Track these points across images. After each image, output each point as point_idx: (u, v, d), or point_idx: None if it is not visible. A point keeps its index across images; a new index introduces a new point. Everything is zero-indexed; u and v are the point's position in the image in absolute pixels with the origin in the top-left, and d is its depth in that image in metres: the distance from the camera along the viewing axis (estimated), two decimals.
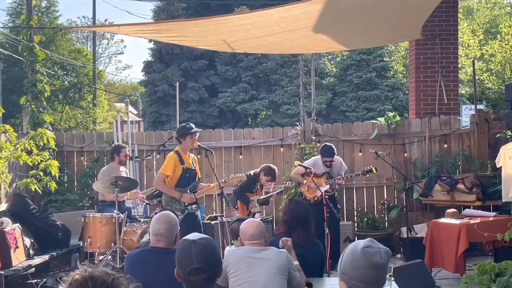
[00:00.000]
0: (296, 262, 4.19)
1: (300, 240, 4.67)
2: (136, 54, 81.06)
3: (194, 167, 6.87)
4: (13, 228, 6.62)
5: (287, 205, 5.67)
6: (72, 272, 2.02)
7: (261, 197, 7.72)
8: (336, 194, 8.12)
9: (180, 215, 6.34)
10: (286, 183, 8.92)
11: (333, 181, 7.70)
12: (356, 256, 2.38)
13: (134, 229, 7.14)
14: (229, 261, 3.91)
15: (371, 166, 7.91)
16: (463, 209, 7.52)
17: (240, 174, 7.47)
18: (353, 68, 25.02)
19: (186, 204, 6.68)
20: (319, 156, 7.91)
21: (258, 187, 7.68)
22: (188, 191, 6.73)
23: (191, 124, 6.93)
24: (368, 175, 8.06)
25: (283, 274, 3.91)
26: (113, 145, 8.30)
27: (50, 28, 25.56)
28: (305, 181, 7.65)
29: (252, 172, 7.74)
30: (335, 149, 7.87)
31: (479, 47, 19.27)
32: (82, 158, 9.29)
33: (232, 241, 4.83)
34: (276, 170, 7.72)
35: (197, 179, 6.90)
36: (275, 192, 8.07)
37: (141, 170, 9.30)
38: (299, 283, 4.06)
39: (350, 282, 2.38)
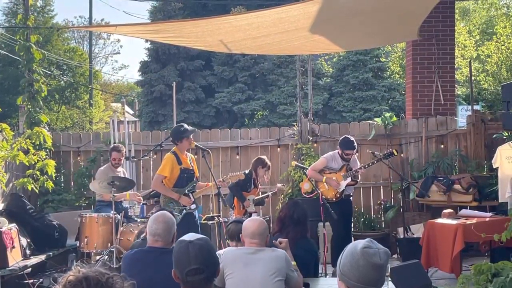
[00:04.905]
0: (293, 263, 4.19)
1: (288, 239, 4.67)
2: (133, 54, 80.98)
3: (192, 166, 6.82)
4: (9, 228, 6.60)
5: (285, 203, 5.70)
6: (66, 273, 2.01)
7: (256, 197, 7.69)
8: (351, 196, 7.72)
9: (178, 215, 6.32)
10: (284, 185, 8.72)
11: (353, 172, 7.32)
12: (356, 256, 2.38)
13: (131, 229, 7.14)
14: (226, 261, 3.90)
15: (391, 149, 7.62)
16: (460, 210, 7.52)
17: (238, 173, 7.42)
18: (350, 68, 25.02)
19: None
20: (335, 150, 7.61)
21: (253, 186, 7.65)
22: (187, 191, 6.68)
23: (185, 126, 6.84)
24: (389, 158, 7.65)
25: (281, 276, 3.91)
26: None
27: (47, 28, 25.49)
28: (324, 177, 7.32)
29: (247, 171, 7.72)
30: (355, 142, 7.49)
31: (475, 48, 19.30)
32: (78, 158, 9.28)
33: (228, 241, 4.83)
34: (266, 159, 7.82)
35: (195, 179, 6.85)
36: (270, 193, 8.03)
37: (138, 170, 9.28)
38: (296, 284, 4.07)
39: (349, 282, 2.39)
